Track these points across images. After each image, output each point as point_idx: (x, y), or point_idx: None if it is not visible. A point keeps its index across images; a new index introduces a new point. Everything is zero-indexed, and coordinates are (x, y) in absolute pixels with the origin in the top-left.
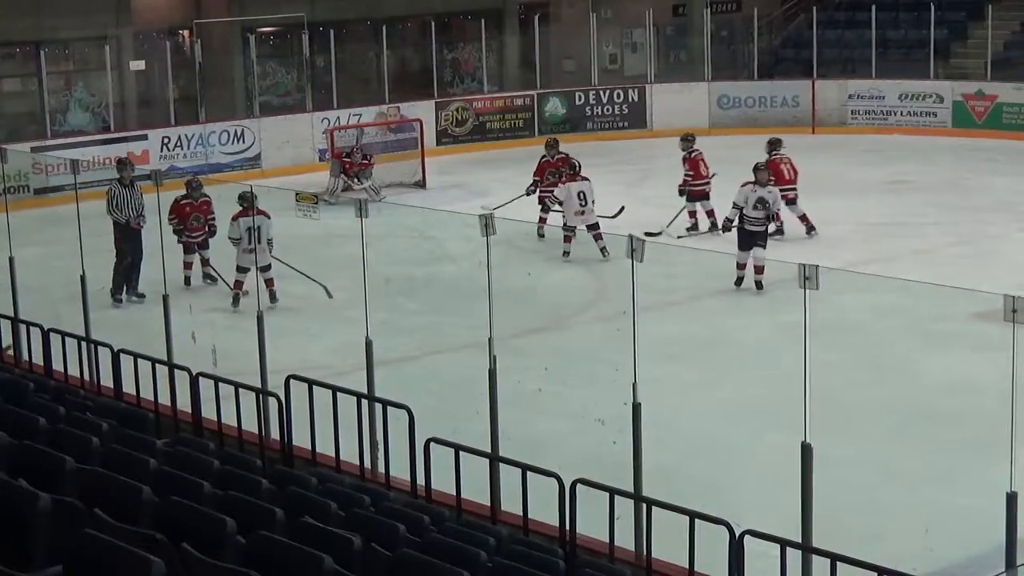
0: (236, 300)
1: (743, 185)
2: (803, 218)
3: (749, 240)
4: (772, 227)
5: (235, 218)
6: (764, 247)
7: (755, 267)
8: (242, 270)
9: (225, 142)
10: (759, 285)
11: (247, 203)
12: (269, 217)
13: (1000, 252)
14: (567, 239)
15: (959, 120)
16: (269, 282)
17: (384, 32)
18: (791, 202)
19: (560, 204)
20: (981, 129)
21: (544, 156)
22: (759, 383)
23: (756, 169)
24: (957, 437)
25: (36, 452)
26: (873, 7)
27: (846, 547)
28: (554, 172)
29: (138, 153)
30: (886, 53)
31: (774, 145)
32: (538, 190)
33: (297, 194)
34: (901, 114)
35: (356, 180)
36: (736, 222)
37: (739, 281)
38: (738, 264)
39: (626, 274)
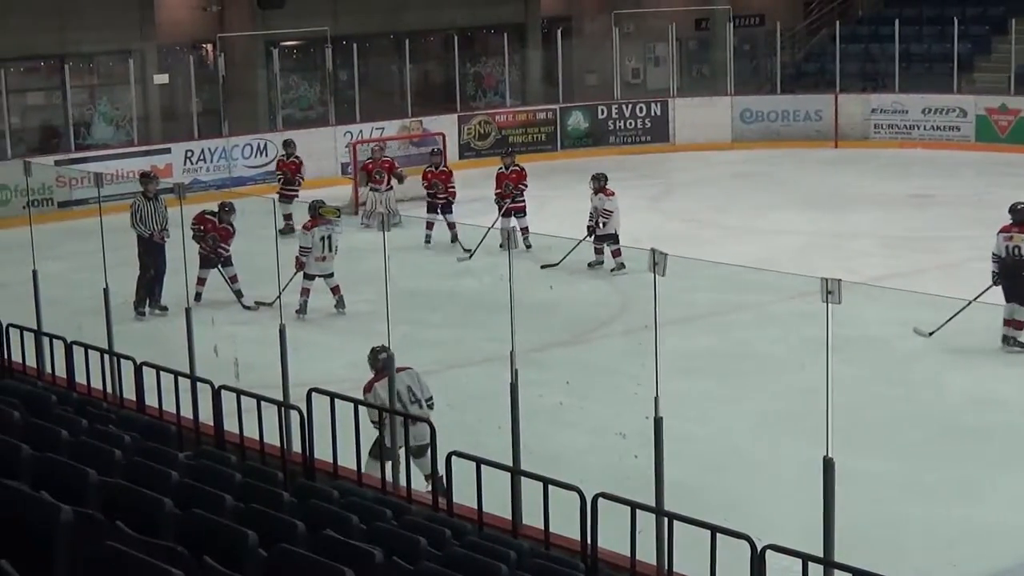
0: (304, 308)
1: (1006, 235)
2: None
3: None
4: None
5: (307, 228)
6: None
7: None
8: (310, 278)
9: (248, 155)
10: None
11: (317, 213)
12: (337, 226)
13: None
14: (610, 251)
15: (982, 134)
16: (335, 289)
17: (407, 46)
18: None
19: (607, 217)
20: (1004, 144)
21: (500, 168)
22: (781, 397)
23: (1018, 210)
24: (981, 452)
25: (59, 464)
26: (896, 21)
27: (869, 562)
28: (509, 184)
29: (161, 166)
30: (909, 67)
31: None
32: (505, 203)
33: (320, 208)
34: (924, 128)
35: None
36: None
37: (1013, 340)
38: (1008, 321)
39: (648, 288)
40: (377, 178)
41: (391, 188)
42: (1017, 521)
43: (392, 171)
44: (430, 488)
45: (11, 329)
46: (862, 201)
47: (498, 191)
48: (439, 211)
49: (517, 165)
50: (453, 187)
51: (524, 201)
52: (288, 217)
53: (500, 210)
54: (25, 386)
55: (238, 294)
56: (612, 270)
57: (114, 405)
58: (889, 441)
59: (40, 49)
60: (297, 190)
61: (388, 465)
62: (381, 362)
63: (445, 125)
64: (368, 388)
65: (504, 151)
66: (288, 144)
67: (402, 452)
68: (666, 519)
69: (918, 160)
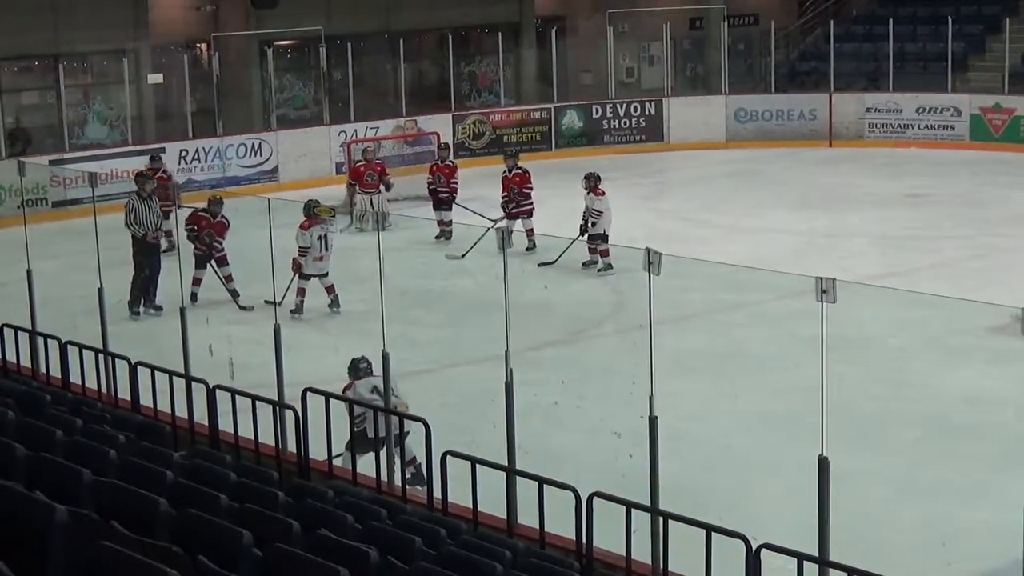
0: (300, 308)
1: None
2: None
3: None
4: None
5: (304, 228)
6: None
7: None
8: (306, 278)
9: (243, 155)
10: None
11: (312, 212)
12: (332, 225)
13: (1017, 266)
14: (598, 251)
15: (976, 133)
16: (330, 288)
17: (401, 45)
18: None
19: (596, 216)
20: (998, 143)
21: (504, 171)
22: (776, 396)
23: None
24: (975, 451)
25: (53, 464)
26: (891, 20)
27: (863, 561)
28: (515, 188)
29: None
30: (903, 66)
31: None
32: (510, 207)
33: (315, 207)
34: (918, 127)
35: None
36: None
37: None
38: None
39: (643, 287)
40: (368, 181)
41: (379, 192)
42: (1011, 520)
43: (382, 176)
44: (411, 473)
45: (5, 329)
46: (856, 200)
47: (504, 195)
48: (440, 207)
49: (519, 168)
50: (455, 183)
51: (531, 204)
52: (168, 234)
53: (504, 214)
54: (19, 386)
55: (233, 293)
56: (599, 270)
57: (108, 405)
58: (884, 440)
59: (34, 49)
60: (171, 206)
61: (367, 457)
62: (361, 372)
63: (440, 124)
64: (347, 388)
65: (507, 152)
66: (155, 159)
67: (387, 447)
68: (661, 518)
69: (912, 159)
